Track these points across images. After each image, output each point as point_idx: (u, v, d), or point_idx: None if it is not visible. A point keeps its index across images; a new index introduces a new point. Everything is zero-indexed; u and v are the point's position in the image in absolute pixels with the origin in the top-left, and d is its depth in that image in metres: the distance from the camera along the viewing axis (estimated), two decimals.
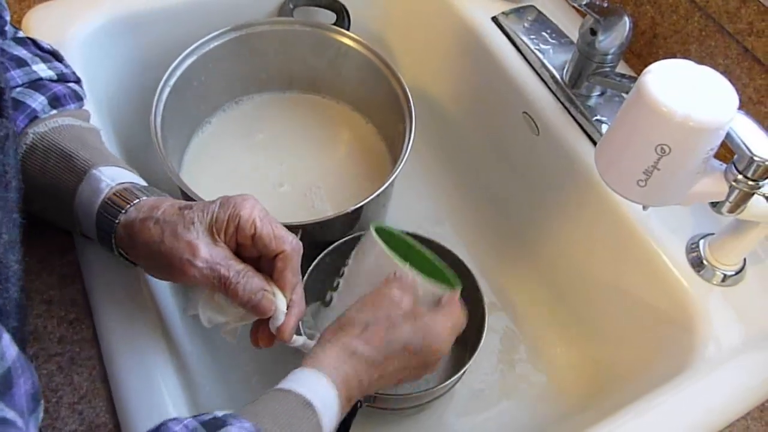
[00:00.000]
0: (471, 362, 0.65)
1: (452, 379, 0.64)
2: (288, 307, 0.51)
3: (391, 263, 0.62)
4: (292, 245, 0.50)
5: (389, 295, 0.55)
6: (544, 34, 0.77)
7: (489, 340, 0.78)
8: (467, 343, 0.67)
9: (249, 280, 0.48)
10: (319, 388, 0.47)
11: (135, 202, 0.50)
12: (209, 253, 0.47)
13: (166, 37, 0.79)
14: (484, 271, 0.81)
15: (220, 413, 0.42)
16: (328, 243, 0.71)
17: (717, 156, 0.52)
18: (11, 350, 0.31)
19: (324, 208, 0.77)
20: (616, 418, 0.55)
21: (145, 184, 0.55)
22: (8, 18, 0.55)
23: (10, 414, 0.30)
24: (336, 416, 0.48)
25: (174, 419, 0.41)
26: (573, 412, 0.70)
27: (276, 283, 0.50)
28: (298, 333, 0.56)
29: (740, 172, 0.50)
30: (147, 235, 0.48)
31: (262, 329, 0.52)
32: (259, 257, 0.51)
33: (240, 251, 0.50)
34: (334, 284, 0.67)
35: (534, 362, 0.77)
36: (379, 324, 0.52)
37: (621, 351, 0.70)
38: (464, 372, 0.66)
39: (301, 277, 0.52)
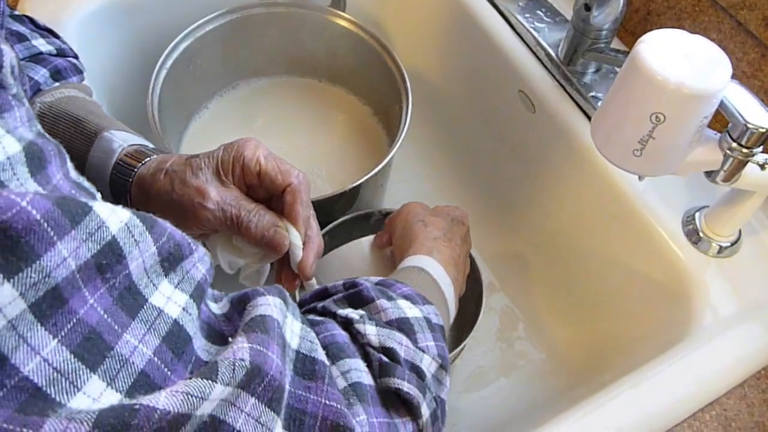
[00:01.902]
0: (469, 339, 0.65)
1: (450, 355, 0.65)
2: (303, 243, 0.51)
3: (361, 240, 0.67)
4: (298, 178, 0.51)
5: (411, 206, 0.64)
6: (538, 12, 0.77)
7: (487, 318, 0.78)
8: (465, 320, 0.67)
9: (261, 218, 0.49)
10: (424, 261, 0.54)
11: (146, 160, 0.51)
12: (219, 195, 0.48)
13: (161, 20, 0.79)
14: (482, 250, 0.82)
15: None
16: (327, 223, 0.71)
17: (711, 127, 0.53)
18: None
19: (324, 188, 0.78)
20: (613, 388, 0.55)
21: (154, 146, 0.55)
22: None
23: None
24: (446, 282, 0.54)
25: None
26: (572, 386, 0.71)
27: (288, 218, 0.51)
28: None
29: (734, 140, 0.50)
30: (158, 187, 0.49)
31: (285, 271, 0.53)
32: (270, 198, 0.52)
33: (250, 193, 0.51)
34: None
35: (532, 339, 0.78)
36: (427, 214, 0.61)
37: (619, 324, 0.70)
38: (462, 348, 0.67)
39: (314, 211, 0.53)
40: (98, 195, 0.31)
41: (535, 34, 0.75)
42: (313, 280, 0.53)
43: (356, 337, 0.39)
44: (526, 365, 0.76)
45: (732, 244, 0.62)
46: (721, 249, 0.62)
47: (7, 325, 0.23)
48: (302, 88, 0.87)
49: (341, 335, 0.38)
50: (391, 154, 0.69)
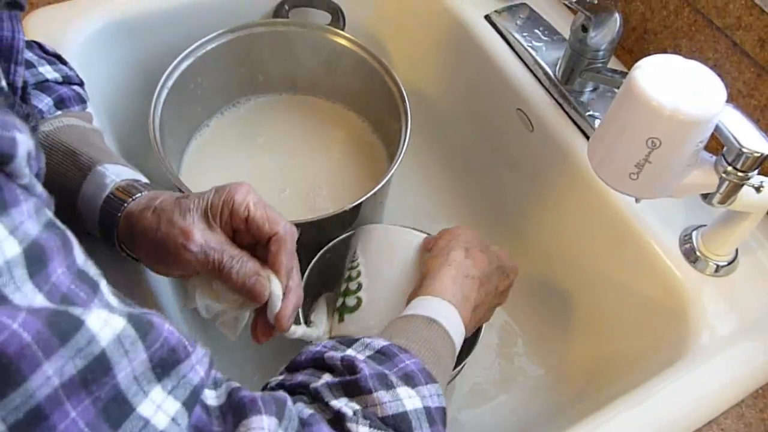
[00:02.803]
0: (469, 357, 0.66)
1: (451, 373, 0.65)
2: (284, 294, 0.50)
3: (417, 236, 0.65)
4: (285, 228, 0.50)
5: (464, 229, 0.61)
6: (536, 31, 0.78)
7: (487, 334, 0.79)
8: (465, 338, 0.68)
9: (243, 265, 0.48)
10: (440, 308, 0.51)
11: (137, 196, 0.51)
12: (203, 238, 0.48)
13: (163, 40, 0.80)
14: None
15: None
16: (327, 241, 0.72)
17: (707, 148, 0.53)
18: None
19: (325, 206, 0.78)
20: (614, 407, 0.56)
21: (147, 181, 0.56)
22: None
23: None
24: (460, 333, 0.52)
25: (316, 344, 0.44)
26: (571, 403, 0.71)
27: (271, 267, 0.50)
28: (297, 322, 0.55)
29: (730, 164, 0.51)
30: (145, 224, 0.49)
31: (261, 321, 0.52)
32: (255, 244, 0.51)
33: (236, 238, 0.51)
34: (351, 287, 0.66)
35: (531, 355, 0.78)
36: (475, 246, 0.58)
37: (617, 342, 0.71)
38: (463, 367, 0.67)
39: (297, 262, 0.52)
40: (102, 283, 0.32)
41: (533, 53, 0.76)
42: (292, 328, 0.53)
43: None
44: (526, 381, 0.76)
45: (729, 263, 0.63)
46: (718, 268, 0.63)
47: None
48: (302, 106, 0.88)
49: None
50: (390, 174, 0.69)
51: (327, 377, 0.40)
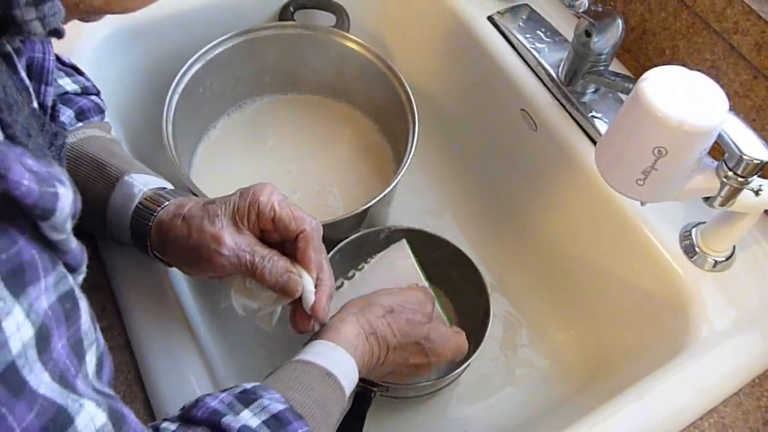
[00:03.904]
0: (478, 351, 0.68)
1: (459, 369, 0.68)
2: (316, 286, 0.53)
3: (416, 276, 0.67)
4: (311, 225, 0.52)
5: (416, 296, 0.60)
6: (538, 32, 0.80)
7: (492, 326, 0.81)
8: (472, 332, 0.70)
9: (275, 264, 0.50)
10: (340, 362, 0.50)
11: (165, 204, 0.53)
12: (234, 242, 0.50)
13: (171, 44, 0.81)
14: (486, 262, 0.84)
15: (248, 385, 0.46)
16: (337, 241, 0.74)
17: (709, 154, 0.56)
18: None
19: (336, 205, 0.80)
20: (618, 400, 0.59)
21: (173, 187, 0.57)
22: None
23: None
24: (353, 384, 0.51)
25: (209, 395, 0.44)
26: (575, 395, 0.74)
27: (300, 264, 0.52)
28: None
29: (731, 170, 0.53)
30: (176, 232, 0.51)
31: (299, 313, 0.54)
32: (283, 242, 0.53)
33: (264, 238, 0.53)
34: (349, 274, 0.70)
35: (536, 347, 0.81)
36: (403, 313, 0.57)
37: (620, 335, 0.73)
38: (470, 362, 0.69)
39: (326, 254, 0.55)
40: (89, 353, 0.33)
41: (536, 54, 0.78)
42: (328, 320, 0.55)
43: None
44: (531, 373, 0.79)
45: (727, 259, 0.66)
46: (716, 263, 0.65)
47: None
48: (308, 106, 0.89)
49: None
50: (400, 176, 0.71)
51: None
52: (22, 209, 0.27)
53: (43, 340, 0.29)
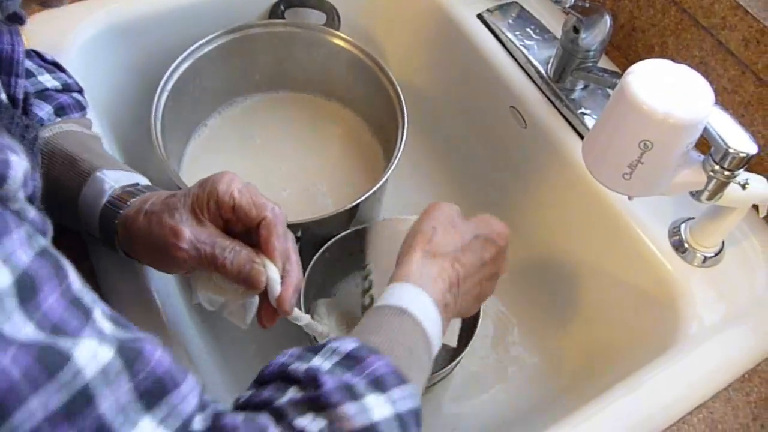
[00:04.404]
0: (468, 349, 0.68)
1: (449, 366, 0.67)
2: (282, 277, 0.50)
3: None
4: (273, 212, 0.50)
5: (436, 207, 0.57)
6: (528, 30, 0.80)
7: (483, 324, 0.81)
8: (462, 330, 0.70)
9: (236, 254, 0.48)
10: (409, 296, 0.48)
11: (131, 201, 0.52)
12: (193, 234, 0.48)
13: (159, 42, 0.81)
14: None
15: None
16: (327, 238, 0.74)
17: (695, 148, 0.56)
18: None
19: (326, 203, 0.80)
20: (607, 395, 0.58)
21: (147, 183, 0.56)
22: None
23: None
24: (432, 318, 0.48)
25: (280, 354, 0.42)
26: (566, 391, 0.74)
27: (264, 252, 0.49)
28: (306, 311, 0.56)
29: (717, 163, 0.53)
30: (138, 227, 0.49)
31: (264, 305, 0.52)
32: (249, 233, 0.51)
33: (229, 229, 0.50)
34: (366, 286, 0.68)
35: (526, 345, 0.81)
36: (443, 223, 0.54)
37: (609, 331, 0.73)
38: (459, 360, 0.69)
39: (294, 243, 0.52)
40: (96, 311, 0.32)
41: (525, 51, 0.78)
42: (296, 313, 0.53)
43: None
44: (521, 370, 0.79)
45: (716, 254, 0.66)
46: (705, 259, 0.65)
47: None
48: (298, 104, 0.89)
49: None
50: (389, 173, 0.71)
51: (291, 392, 0.39)
52: None
53: (26, 290, 0.28)
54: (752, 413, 0.59)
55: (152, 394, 0.31)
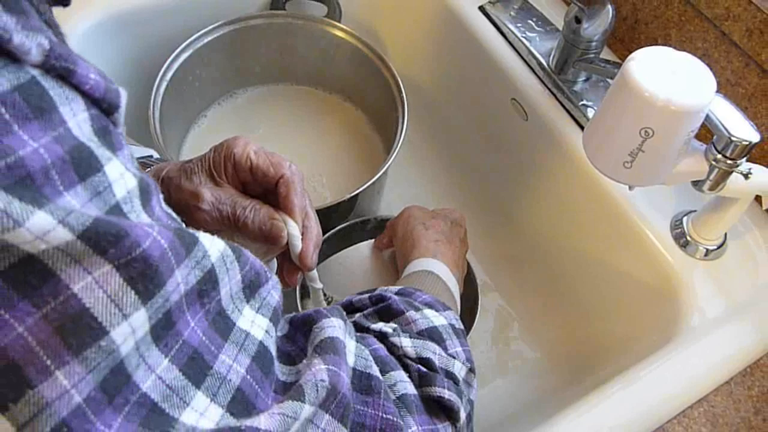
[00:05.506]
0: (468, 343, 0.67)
1: None
2: (302, 234, 0.51)
3: (363, 245, 0.70)
4: (290, 169, 0.50)
5: (413, 210, 0.66)
6: (530, 21, 0.79)
7: (483, 319, 0.81)
8: (461, 323, 0.69)
9: (256, 213, 0.49)
10: (430, 264, 0.58)
11: (147, 171, 0.52)
12: (213, 196, 0.48)
13: (159, 33, 0.80)
14: (476, 253, 0.84)
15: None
16: (326, 230, 0.73)
17: (697, 137, 0.55)
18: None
19: (325, 194, 0.80)
20: (607, 388, 0.58)
21: (159, 156, 0.57)
22: None
23: None
24: (453, 283, 0.58)
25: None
26: (567, 385, 0.73)
27: (284, 209, 0.50)
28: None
29: (719, 152, 0.52)
30: None
31: (286, 264, 0.52)
32: (266, 194, 0.51)
33: (246, 189, 0.51)
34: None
35: (527, 339, 0.80)
36: (426, 217, 0.64)
37: (611, 325, 0.73)
38: None
39: (310, 201, 0.53)
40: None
41: (527, 43, 0.77)
42: (315, 272, 0.53)
43: (392, 349, 0.41)
44: (522, 365, 0.78)
45: (718, 247, 0.65)
46: (707, 252, 0.65)
47: (134, 346, 0.26)
48: (298, 96, 0.89)
49: (382, 349, 0.40)
50: (388, 164, 0.71)
51: (359, 314, 0.45)
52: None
53: (144, 194, 0.29)
54: (754, 407, 0.58)
55: (252, 285, 0.33)
